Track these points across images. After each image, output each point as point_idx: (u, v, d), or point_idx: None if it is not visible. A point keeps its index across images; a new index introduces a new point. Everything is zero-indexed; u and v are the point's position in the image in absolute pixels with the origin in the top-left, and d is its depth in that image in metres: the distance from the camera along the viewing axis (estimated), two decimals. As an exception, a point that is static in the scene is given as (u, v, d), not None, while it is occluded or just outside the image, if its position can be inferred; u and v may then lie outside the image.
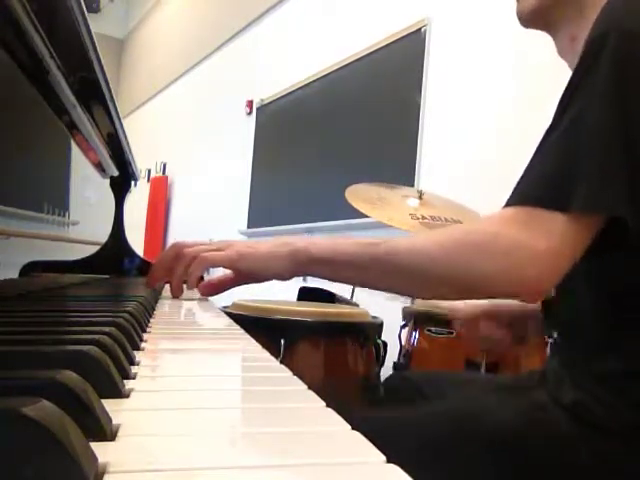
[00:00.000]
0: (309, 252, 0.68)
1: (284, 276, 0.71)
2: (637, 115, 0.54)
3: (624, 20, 0.55)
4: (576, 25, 0.67)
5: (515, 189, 0.58)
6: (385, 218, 1.70)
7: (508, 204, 0.58)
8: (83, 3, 0.64)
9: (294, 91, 3.87)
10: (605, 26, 0.56)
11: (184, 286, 0.83)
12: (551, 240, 0.54)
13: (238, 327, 0.61)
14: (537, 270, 0.55)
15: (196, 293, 0.86)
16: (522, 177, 0.58)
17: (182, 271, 0.78)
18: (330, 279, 0.70)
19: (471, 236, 0.59)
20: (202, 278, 0.81)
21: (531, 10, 0.70)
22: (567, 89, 0.58)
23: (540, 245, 0.54)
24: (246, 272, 0.74)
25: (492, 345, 0.94)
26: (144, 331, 0.49)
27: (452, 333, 1.53)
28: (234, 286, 0.79)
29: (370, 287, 0.67)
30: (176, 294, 0.82)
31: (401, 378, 1.02)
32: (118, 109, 0.99)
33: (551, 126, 0.58)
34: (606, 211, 0.53)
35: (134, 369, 0.34)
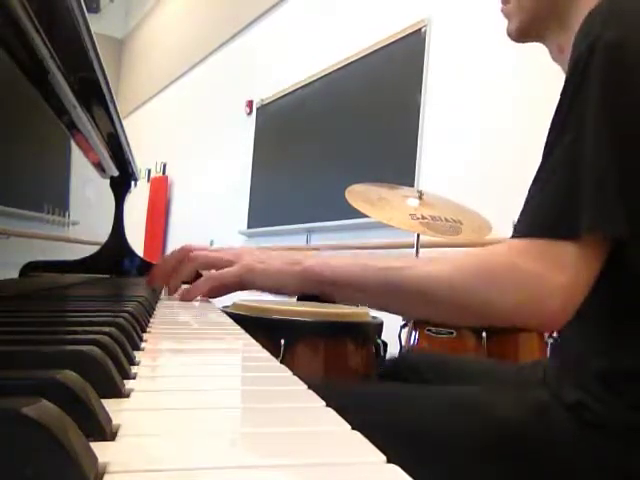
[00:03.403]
0: (320, 273, 0.68)
1: (292, 294, 0.72)
2: (630, 129, 0.54)
3: (607, 31, 0.55)
4: (561, 36, 0.70)
5: (521, 219, 0.59)
6: (385, 218, 1.70)
7: (517, 235, 0.58)
8: (83, 3, 0.64)
9: (294, 91, 3.87)
10: (589, 39, 0.56)
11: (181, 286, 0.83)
12: (566, 272, 0.54)
13: (238, 327, 0.61)
14: (555, 303, 0.55)
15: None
16: (526, 206, 0.59)
17: (185, 273, 0.78)
18: (341, 300, 0.70)
19: (490, 266, 0.59)
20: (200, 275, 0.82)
21: (516, 29, 0.74)
22: (559, 109, 0.58)
23: (557, 278, 0.54)
24: (253, 286, 0.74)
25: None
26: (144, 331, 0.49)
27: (452, 333, 1.53)
28: (234, 291, 0.79)
29: (384, 310, 0.67)
30: (172, 292, 0.83)
31: (401, 360, 1.02)
32: (118, 109, 0.99)
33: (547, 150, 0.58)
34: (607, 230, 0.54)
35: (134, 369, 0.34)
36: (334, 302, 1.67)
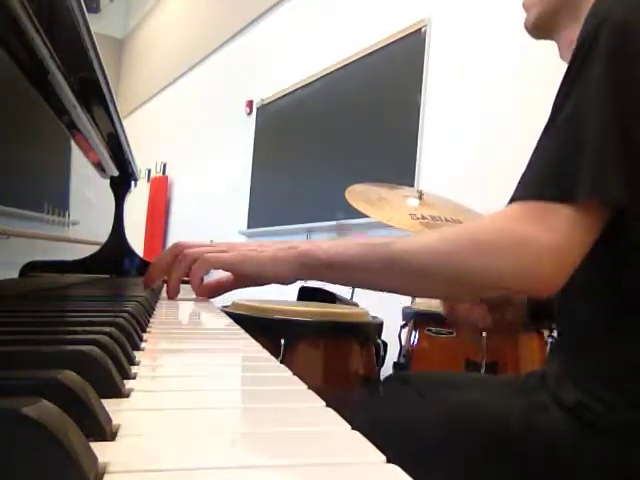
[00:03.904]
0: (315, 255, 0.67)
1: (287, 280, 0.71)
2: (632, 105, 0.54)
3: (614, 13, 0.56)
4: (573, 30, 0.69)
5: (519, 185, 0.58)
6: (385, 218, 1.70)
7: (513, 200, 0.58)
8: (83, 3, 0.64)
9: (294, 91, 3.87)
10: (596, 21, 0.57)
11: (180, 287, 0.82)
12: (560, 234, 0.54)
13: (238, 327, 0.61)
14: (548, 265, 0.55)
15: (193, 293, 0.86)
16: (524, 173, 0.59)
17: (181, 271, 0.77)
18: (337, 283, 0.69)
19: (481, 233, 0.58)
20: (201, 279, 0.81)
21: (533, 21, 0.74)
22: (562, 85, 0.59)
23: (549, 240, 0.54)
24: (249, 275, 0.73)
25: (471, 326, 0.94)
26: (144, 331, 0.49)
27: (452, 333, 1.53)
28: (233, 289, 0.79)
29: (379, 289, 0.66)
30: (172, 295, 0.80)
31: (400, 378, 1.02)
32: (118, 109, 0.99)
33: (550, 120, 0.58)
34: (605, 195, 0.53)
35: (134, 369, 0.34)
36: (333, 298, 1.67)
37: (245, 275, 0.74)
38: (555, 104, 0.58)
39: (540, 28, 0.75)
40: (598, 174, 0.53)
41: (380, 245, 0.63)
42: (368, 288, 0.68)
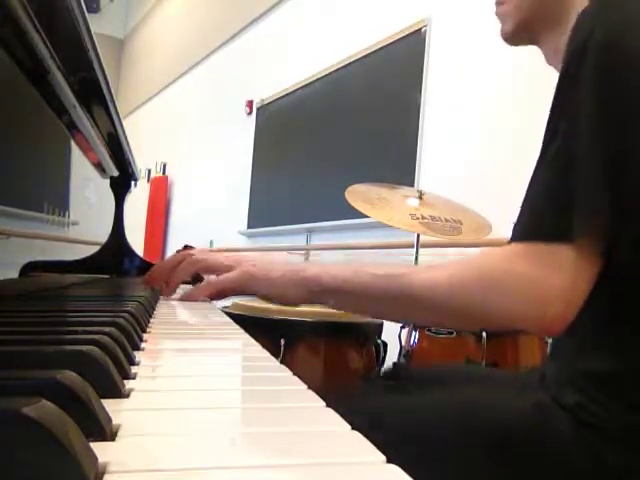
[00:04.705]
0: (321, 281, 0.68)
1: (293, 302, 0.72)
2: (621, 130, 0.54)
3: (597, 32, 0.55)
4: (557, 37, 0.68)
5: (518, 223, 0.58)
6: (385, 218, 1.70)
7: (514, 239, 0.58)
8: (83, 3, 0.64)
9: (294, 91, 3.87)
10: (580, 41, 0.56)
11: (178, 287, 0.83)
12: (565, 274, 0.54)
13: (238, 327, 0.61)
14: (556, 307, 0.55)
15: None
16: (522, 209, 0.59)
17: (184, 275, 0.79)
18: (344, 309, 0.69)
19: (488, 272, 0.59)
20: (202, 279, 0.81)
21: (512, 30, 0.72)
22: (552, 109, 0.58)
23: (556, 281, 0.54)
24: (254, 294, 0.74)
25: None
26: (144, 331, 0.49)
27: (452, 333, 1.53)
28: (232, 296, 0.79)
29: (384, 318, 0.67)
30: (167, 295, 0.83)
31: (401, 373, 1.02)
32: (118, 109, 0.99)
33: (542, 153, 0.58)
34: (601, 232, 0.53)
35: (134, 369, 0.34)
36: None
37: (251, 294, 0.75)
38: (547, 131, 0.58)
39: (518, 38, 0.73)
40: (591, 210, 0.53)
41: (390, 277, 0.63)
42: (375, 317, 0.68)
